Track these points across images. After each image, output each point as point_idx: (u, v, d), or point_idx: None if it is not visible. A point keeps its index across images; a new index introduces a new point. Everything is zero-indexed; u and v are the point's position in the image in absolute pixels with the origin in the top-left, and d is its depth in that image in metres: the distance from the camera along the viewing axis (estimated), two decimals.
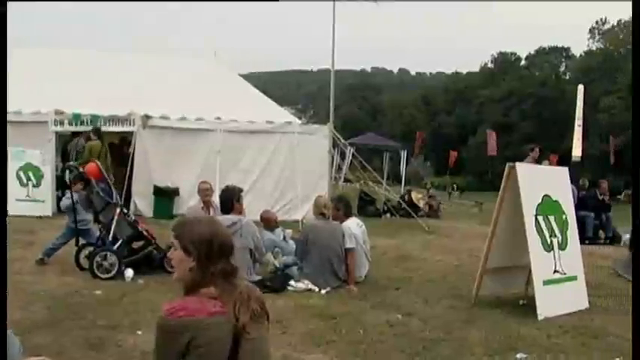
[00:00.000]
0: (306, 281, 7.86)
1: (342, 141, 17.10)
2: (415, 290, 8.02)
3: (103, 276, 7.96)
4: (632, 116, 4.83)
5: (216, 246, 2.47)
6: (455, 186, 32.19)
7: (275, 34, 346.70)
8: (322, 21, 22.69)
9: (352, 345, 5.60)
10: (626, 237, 14.10)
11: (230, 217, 7.56)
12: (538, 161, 15.24)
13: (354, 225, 8.51)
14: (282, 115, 16.99)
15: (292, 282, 7.90)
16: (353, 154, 19.26)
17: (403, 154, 31.36)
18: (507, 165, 7.11)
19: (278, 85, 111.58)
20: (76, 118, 13.96)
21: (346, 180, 23.41)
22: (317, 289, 7.74)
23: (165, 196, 14.02)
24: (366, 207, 18.30)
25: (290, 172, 14.74)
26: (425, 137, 48.48)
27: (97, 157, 11.93)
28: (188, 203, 12.52)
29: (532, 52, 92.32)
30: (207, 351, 2.35)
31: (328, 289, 7.78)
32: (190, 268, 2.45)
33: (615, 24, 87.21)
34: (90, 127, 13.78)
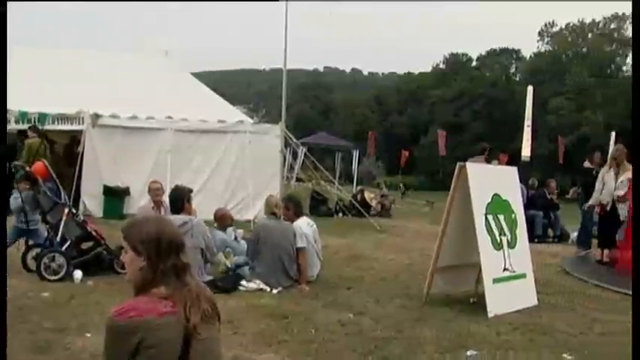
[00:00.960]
0: (258, 281, 7.84)
1: (294, 140, 17.09)
2: (367, 289, 8.06)
3: (50, 278, 7.82)
4: (632, 116, 4.89)
5: (165, 243, 2.45)
6: (402, 185, 32.43)
7: (227, 33, 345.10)
8: (274, 20, 22.67)
9: (304, 344, 5.60)
10: (574, 235, 14.39)
11: (181, 217, 7.50)
12: (488, 161, 15.46)
13: (304, 224, 8.51)
14: (234, 114, 16.90)
15: (244, 282, 7.88)
16: (305, 154, 19.27)
17: (355, 154, 31.46)
18: (458, 164, 7.19)
19: (230, 84, 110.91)
20: (23, 117, 13.70)
21: (298, 179, 23.42)
22: (268, 289, 7.72)
23: (115, 196, 13.84)
24: (318, 206, 18.32)
25: (241, 172, 14.67)
26: (377, 137, 48.73)
27: (36, 155, 11.75)
28: (139, 203, 12.37)
29: (483, 54, 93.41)
30: (158, 352, 2.32)
31: (280, 288, 7.77)
32: (140, 268, 2.42)
33: (563, 27, 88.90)
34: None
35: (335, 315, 6.63)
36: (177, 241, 2.52)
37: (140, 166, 13.89)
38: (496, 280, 7.09)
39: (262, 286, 7.77)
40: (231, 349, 5.21)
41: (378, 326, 6.29)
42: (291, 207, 8.67)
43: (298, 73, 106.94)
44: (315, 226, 8.76)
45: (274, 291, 7.70)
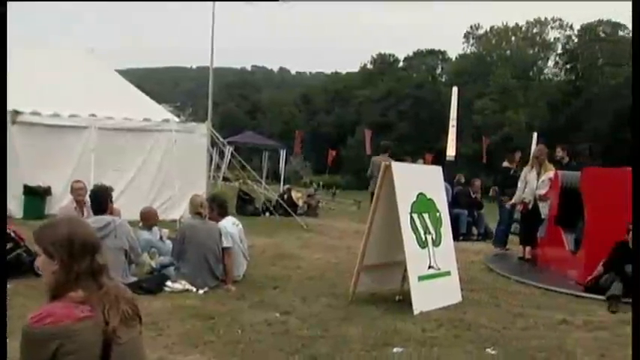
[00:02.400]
0: (183, 281, 7.73)
1: (221, 139, 16.96)
2: (293, 289, 8.05)
3: None
4: (633, 116, 4.95)
5: (78, 245, 2.38)
6: (320, 183, 32.68)
7: (153, 30, 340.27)
8: (201, 17, 22.44)
9: (230, 345, 5.55)
10: None
11: (103, 218, 7.36)
12: (413, 160, 15.65)
13: (230, 224, 8.44)
14: (160, 112, 16.65)
15: (169, 282, 7.75)
16: (232, 153, 19.14)
17: (282, 153, 31.45)
18: (383, 164, 7.25)
19: (157, 82, 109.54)
20: None
21: (225, 179, 23.25)
22: (194, 289, 7.63)
23: (36, 196, 13.45)
24: (245, 206, 18.24)
25: (167, 171, 14.47)
26: (304, 136, 48.85)
27: None
28: (60, 203, 12.07)
29: (410, 54, 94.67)
30: (77, 358, 2.27)
31: (206, 289, 7.69)
32: (54, 272, 2.35)
33: (488, 30, 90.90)
34: None
35: (261, 315, 6.60)
36: (91, 242, 2.46)
37: (62, 165, 13.55)
38: (421, 278, 7.18)
39: (188, 286, 7.67)
40: (155, 351, 5.13)
41: (305, 325, 6.28)
42: (215, 207, 8.58)
43: (226, 72, 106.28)
44: (240, 225, 8.70)
45: (200, 291, 7.61)
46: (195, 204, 8.39)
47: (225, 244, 8.04)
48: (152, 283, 7.67)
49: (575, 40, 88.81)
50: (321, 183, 31.29)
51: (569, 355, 5.69)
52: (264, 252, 10.76)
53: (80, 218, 2.97)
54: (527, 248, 11.80)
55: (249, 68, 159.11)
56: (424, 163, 16.36)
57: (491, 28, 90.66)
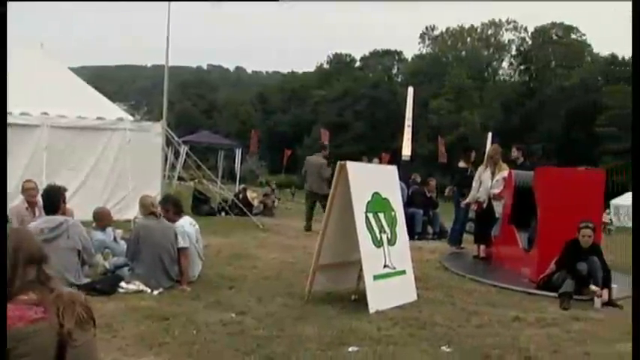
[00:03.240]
0: (138, 282, 7.63)
1: (176, 139, 16.81)
2: (249, 288, 8.00)
3: None
4: (633, 116, 4.96)
5: (23, 257, 2.35)
6: (267, 181, 32.73)
7: (108, 27, 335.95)
8: (157, 15, 22.20)
9: (185, 346, 5.50)
10: None
11: (56, 218, 7.24)
12: (369, 160, 15.71)
13: (186, 224, 8.37)
14: (114, 111, 16.43)
15: (123, 283, 7.64)
16: (187, 153, 19.00)
17: (238, 153, 31.33)
18: (338, 163, 7.25)
19: (111, 80, 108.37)
20: None
21: (180, 178, 23.06)
22: (149, 290, 7.53)
23: None
24: (201, 206, 18.14)
25: (121, 171, 14.32)
26: (260, 136, 48.74)
27: None
28: (12, 203, 11.84)
29: (366, 54, 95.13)
30: None
31: (160, 289, 7.60)
32: None
33: (444, 31, 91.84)
34: None
35: (217, 315, 6.55)
36: (36, 253, 2.43)
37: (13, 165, 13.27)
38: (377, 277, 7.20)
39: (142, 287, 7.57)
40: (109, 353, 5.06)
41: (261, 325, 6.25)
42: (170, 207, 8.50)
43: (181, 70, 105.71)
44: (197, 225, 8.63)
45: (155, 292, 7.52)
46: (145, 204, 8.30)
47: (182, 244, 7.97)
48: (106, 284, 7.56)
49: (529, 42, 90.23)
50: (274, 182, 31.24)
51: (523, 351, 5.76)
52: (219, 252, 10.69)
53: (27, 230, 2.95)
54: (482, 247, 11.93)
55: (205, 67, 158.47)
56: (380, 162, 16.44)
57: (447, 29, 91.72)
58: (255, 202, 19.95)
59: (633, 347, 4.35)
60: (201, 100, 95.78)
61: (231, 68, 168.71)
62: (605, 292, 8.08)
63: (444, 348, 5.76)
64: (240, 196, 19.52)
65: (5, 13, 3.75)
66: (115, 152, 14.50)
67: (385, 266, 7.40)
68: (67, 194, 8.16)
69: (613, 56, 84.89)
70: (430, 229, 16.32)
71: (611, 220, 46.34)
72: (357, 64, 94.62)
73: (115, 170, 14.41)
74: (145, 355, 5.25)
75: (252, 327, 6.19)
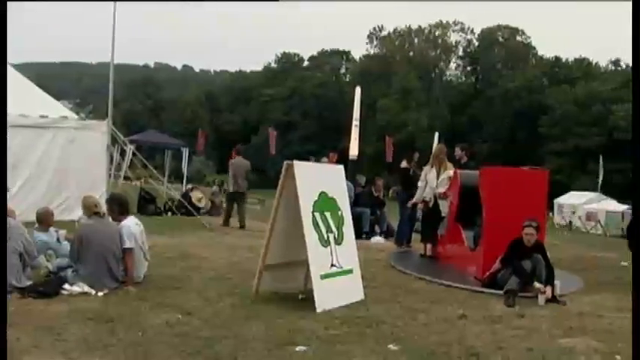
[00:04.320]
0: (82, 284, 7.50)
1: (122, 138, 16.61)
2: (195, 289, 7.94)
3: None
4: (632, 116, 4.99)
5: None
6: (215, 181, 32.63)
7: (52, 23, 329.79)
8: (103, 11, 21.87)
9: (130, 348, 5.43)
10: None
11: None
12: (318, 159, 15.73)
13: (132, 224, 8.25)
14: (58, 109, 16.11)
15: (67, 285, 7.50)
16: (133, 152, 18.77)
17: (185, 152, 31.07)
18: (285, 162, 7.24)
19: (55, 78, 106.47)
20: None
21: (126, 178, 22.78)
22: (93, 292, 7.41)
23: None
24: (147, 206, 17.96)
25: (65, 170, 14.07)
26: (207, 135, 48.45)
27: None
28: None
29: (314, 54, 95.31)
30: None
31: (105, 291, 7.49)
32: None
33: (392, 31, 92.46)
34: None
35: (163, 316, 6.48)
36: None
37: None
38: (324, 276, 7.20)
39: (86, 289, 7.44)
40: (53, 357, 5.00)
41: (207, 326, 6.21)
42: (116, 207, 8.38)
43: (128, 68, 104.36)
44: (142, 225, 8.52)
45: (99, 294, 7.40)
46: (88, 205, 8.18)
47: (127, 244, 7.86)
48: (49, 287, 7.41)
49: (476, 44, 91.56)
50: (217, 182, 31.08)
51: (469, 348, 5.82)
52: (165, 252, 10.57)
53: None
54: (428, 245, 12.04)
55: (152, 65, 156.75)
56: (328, 162, 16.47)
57: (395, 29, 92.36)
58: (203, 202, 19.82)
59: (633, 347, 4.41)
60: (148, 99, 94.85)
61: (179, 67, 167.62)
62: (549, 289, 8.22)
63: (390, 346, 5.79)
64: (188, 195, 19.35)
65: (5, 13, 3.73)
66: (58, 151, 14.23)
67: (332, 265, 7.41)
68: (9, 194, 8.00)
69: (557, 58, 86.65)
70: (377, 229, 16.41)
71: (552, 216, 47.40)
72: (305, 63, 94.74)
73: (59, 170, 14.14)
74: (89, 358, 5.16)
75: (199, 328, 6.14)
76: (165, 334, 5.87)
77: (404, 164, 14.10)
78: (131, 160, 19.83)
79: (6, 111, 5.72)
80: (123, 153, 19.27)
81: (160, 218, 16.74)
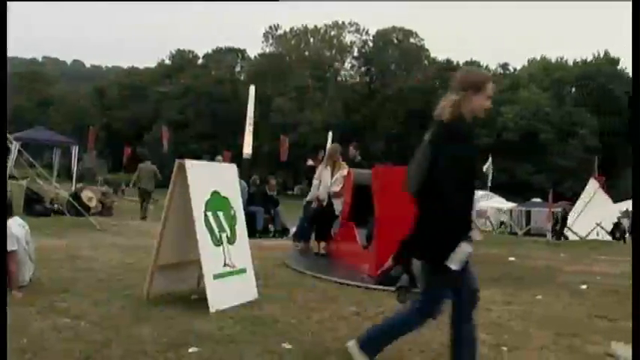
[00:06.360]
0: None
1: (8, 135, 16.01)
2: (85, 292, 7.71)
3: None
4: (632, 117, 4.98)
5: None
6: (100, 180, 31.95)
7: None
8: None
9: (15, 355, 5.21)
10: (294, 229, 15.02)
11: None
12: (212, 158, 15.60)
13: (15, 225, 7.94)
14: None
15: None
16: (19, 150, 18.12)
17: (75, 150, 30.21)
18: (177, 161, 7.14)
19: None
20: None
21: (11, 177, 21.99)
22: None
23: None
24: (34, 206, 17.35)
25: None
26: (99, 132, 47.31)
27: None
28: None
29: (209, 52, 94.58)
30: None
31: None
32: None
33: (288, 30, 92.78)
34: None
35: (50, 321, 6.26)
36: None
37: None
38: (217, 276, 7.15)
39: None
40: None
41: (97, 329, 6.04)
42: None
43: (14, 62, 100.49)
44: (27, 226, 8.21)
45: None
46: None
47: (10, 247, 7.55)
48: None
49: (371, 45, 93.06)
50: (102, 180, 30.42)
51: None
52: (53, 254, 10.24)
53: None
54: (322, 244, 12.14)
55: (39, 59, 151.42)
56: (223, 161, 16.42)
57: (291, 29, 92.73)
58: (93, 202, 19.34)
59: (633, 348, 4.50)
60: (36, 94, 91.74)
61: (69, 61, 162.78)
62: None
63: (285, 345, 5.79)
64: (77, 195, 18.84)
65: (5, 13, 3.56)
66: None
67: (225, 265, 7.37)
68: None
69: (448, 61, 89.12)
70: (272, 227, 16.45)
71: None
72: (200, 61, 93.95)
73: None
74: None
75: (88, 331, 5.97)
76: (51, 340, 5.67)
77: (310, 162, 14.21)
78: (17, 158, 19.14)
79: (6, 111, 5.45)
80: (8, 150, 18.59)
81: (48, 219, 16.21)
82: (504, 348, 5.97)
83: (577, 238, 32.32)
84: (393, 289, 8.40)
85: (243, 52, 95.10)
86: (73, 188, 22.25)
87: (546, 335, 6.52)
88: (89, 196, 19.57)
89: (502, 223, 47.82)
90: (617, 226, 34.74)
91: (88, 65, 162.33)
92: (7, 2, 3.86)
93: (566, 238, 32.48)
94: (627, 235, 32.91)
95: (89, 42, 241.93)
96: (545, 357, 5.80)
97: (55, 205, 17.69)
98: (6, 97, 4.48)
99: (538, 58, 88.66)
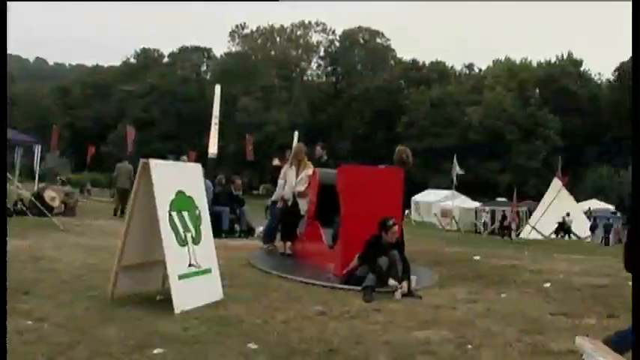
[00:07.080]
0: None
1: None
2: (48, 293, 7.61)
3: None
4: (632, 117, 4.95)
5: None
6: (61, 179, 31.58)
7: None
8: None
9: None
10: (260, 229, 15.01)
11: None
12: (177, 158, 15.53)
13: None
14: None
15: None
16: None
17: (37, 149, 29.80)
18: (141, 161, 7.10)
19: None
20: None
21: None
22: None
23: None
24: None
25: None
26: (62, 131, 46.75)
27: None
28: None
29: (175, 50, 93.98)
30: None
31: None
32: None
33: (254, 30, 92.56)
34: None
35: (12, 323, 6.15)
36: None
37: None
38: (182, 277, 7.11)
39: None
40: None
41: (60, 331, 5.97)
42: None
43: None
44: None
45: None
46: None
47: None
48: None
49: (337, 45, 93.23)
50: (61, 179, 30.05)
51: (327, 343, 5.91)
52: (15, 255, 10.08)
53: None
54: (288, 244, 12.14)
55: None
56: (188, 160, 16.34)
57: (257, 28, 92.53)
58: (57, 202, 19.10)
59: (634, 348, 4.51)
60: None
61: (31, 59, 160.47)
62: (405, 283, 8.50)
63: (250, 345, 5.78)
64: (40, 195, 18.59)
65: (5, 13, 3.53)
66: None
67: (190, 265, 7.34)
68: None
69: (414, 61, 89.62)
70: (237, 227, 16.41)
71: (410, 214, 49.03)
72: (166, 59, 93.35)
73: None
74: None
75: (52, 334, 5.90)
76: (14, 343, 5.58)
77: (276, 162, 14.19)
78: None
79: (6, 111, 5.34)
80: None
81: (10, 219, 15.97)
82: (469, 346, 6.02)
83: (541, 237, 32.76)
84: (358, 288, 8.50)
85: (209, 51, 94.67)
86: (36, 188, 21.95)
87: (511, 333, 6.58)
88: (52, 195, 19.30)
89: (475, 224, 48.39)
90: (561, 225, 35.69)
91: (51, 63, 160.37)
92: (7, 2, 3.83)
93: (510, 237, 33.26)
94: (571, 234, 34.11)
95: (52, 40, 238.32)
96: (509, 354, 5.86)
97: (19, 206, 17.46)
98: (6, 97, 4.42)
99: (503, 59, 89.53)
